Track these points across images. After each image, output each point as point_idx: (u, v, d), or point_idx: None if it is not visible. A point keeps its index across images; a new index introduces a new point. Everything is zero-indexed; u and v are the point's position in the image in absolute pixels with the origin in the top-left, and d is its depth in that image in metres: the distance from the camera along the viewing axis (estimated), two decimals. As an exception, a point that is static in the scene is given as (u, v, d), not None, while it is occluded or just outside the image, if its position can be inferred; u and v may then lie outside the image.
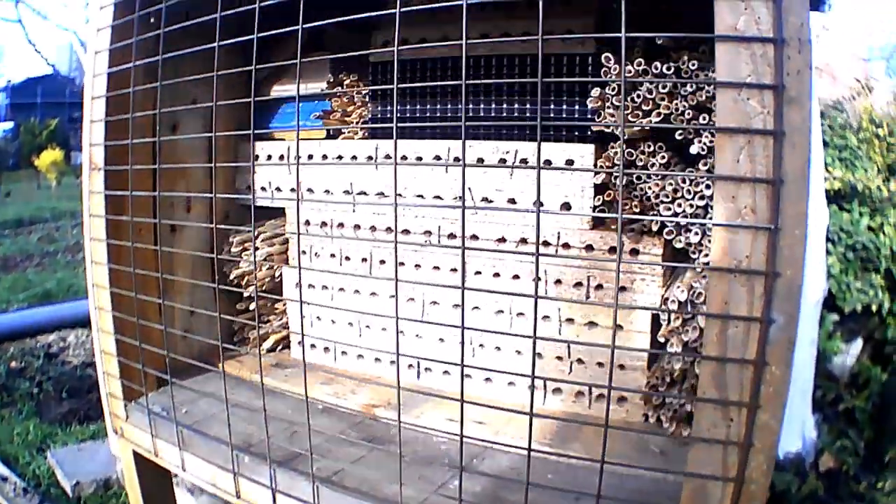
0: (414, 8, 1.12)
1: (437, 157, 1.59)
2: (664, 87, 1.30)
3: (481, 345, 1.60)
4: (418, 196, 1.62)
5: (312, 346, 1.81)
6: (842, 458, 2.93)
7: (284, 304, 1.90)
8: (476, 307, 1.59)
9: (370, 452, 1.39)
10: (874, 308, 3.43)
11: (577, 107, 1.47)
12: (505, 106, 1.55)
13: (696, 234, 1.29)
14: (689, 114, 1.28)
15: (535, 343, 1.01)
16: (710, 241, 1.27)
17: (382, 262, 1.72)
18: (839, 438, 3.02)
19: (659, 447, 1.34)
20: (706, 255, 1.30)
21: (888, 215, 3.62)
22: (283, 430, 1.41)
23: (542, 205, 1.48)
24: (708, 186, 1.25)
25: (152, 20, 1.45)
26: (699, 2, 0.90)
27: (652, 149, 1.33)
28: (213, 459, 1.42)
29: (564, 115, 1.48)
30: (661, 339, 1.33)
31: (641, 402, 1.44)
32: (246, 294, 1.84)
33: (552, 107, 1.50)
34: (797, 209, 0.85)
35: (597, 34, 1.45)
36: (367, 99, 1.80)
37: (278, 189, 1.84)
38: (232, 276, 1.86)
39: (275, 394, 1.65)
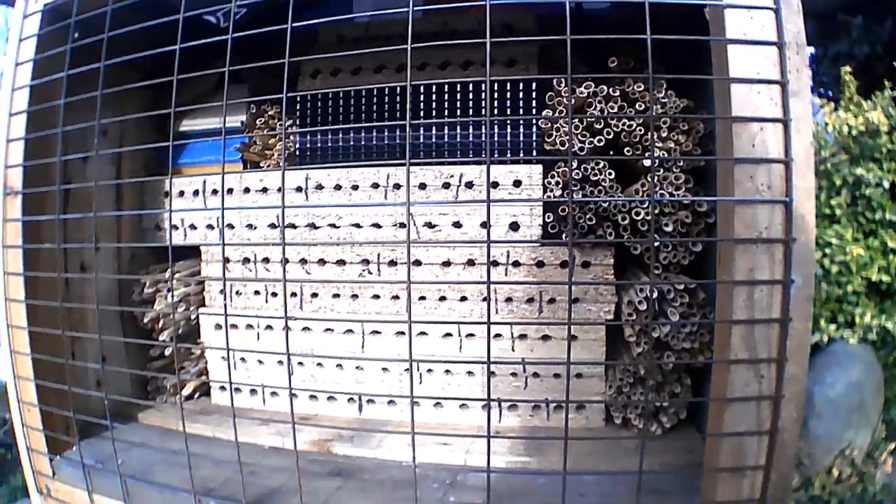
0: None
1: (375, 185, 1.59)
2: (612, 108, 1.41)
3: (430, 370, 1.58)
4: (354, 225, 1.61)
5: (237, 389, 1.69)
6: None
7: (201, 349, 1.75)
8: (423, 332, 1.57)
9: (346, 483, 1.32)
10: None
11: (521, 129, 1.55)
12: (447, 132, 1.59)
13: (656, 239, 1.39)
14: (639, 131, 1.40)
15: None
16: (668, 247, 1.39)
17: (314, 295, 1.66)
18: None
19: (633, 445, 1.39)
20: (664, 259, 1.40)
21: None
22: (237, 473, 1.28)
23: (490, 226, 1.53)
24: (663, 195, 1.36)
25: (76, 35, 1.35)
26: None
27: (601, 164, 1.42)
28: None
29: (510, 140, 1.55)
30: (631, 339, 1.40)
31: (602, 407, 1.49)
32: (163, 338, 1.67)
33: (497, 131, 1.56)
34: (806, 183, 0.98)
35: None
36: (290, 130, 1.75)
37: (192, 227, 1.73)
38: (146, 320, 1.70)
39: (211, 441, 1.52)
